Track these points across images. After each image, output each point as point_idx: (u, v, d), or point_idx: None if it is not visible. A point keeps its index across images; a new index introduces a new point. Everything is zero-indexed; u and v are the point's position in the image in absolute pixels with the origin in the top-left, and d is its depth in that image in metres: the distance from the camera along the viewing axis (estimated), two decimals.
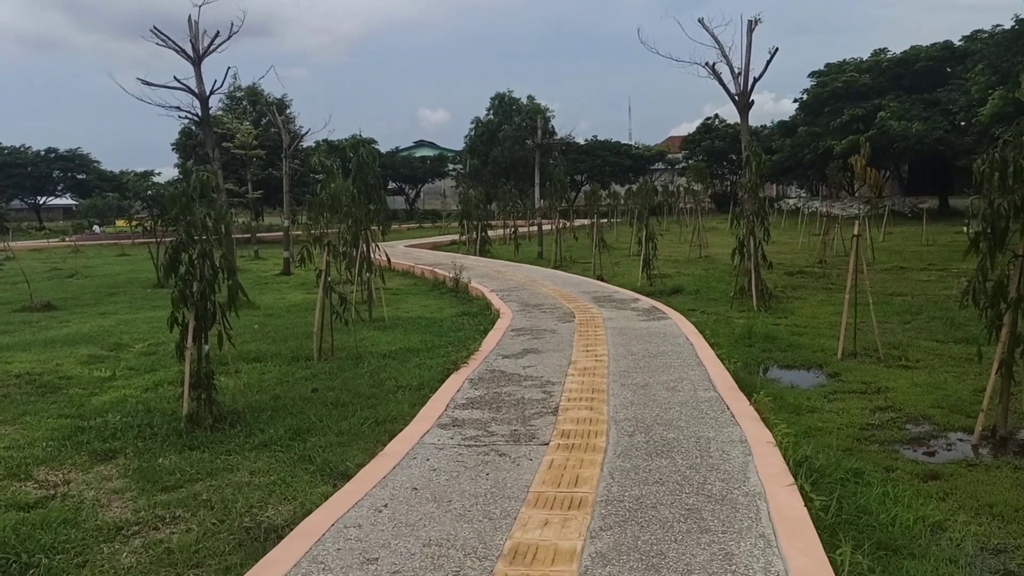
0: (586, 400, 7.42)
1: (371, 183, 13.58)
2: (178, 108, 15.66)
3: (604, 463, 5.61)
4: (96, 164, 74.69)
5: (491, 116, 67.36)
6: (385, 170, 75.10)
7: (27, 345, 12.35)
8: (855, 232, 10.83)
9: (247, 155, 32.68)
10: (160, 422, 7.73)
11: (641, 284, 18.78)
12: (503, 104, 66.84)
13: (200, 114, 15.76)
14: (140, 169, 71.73)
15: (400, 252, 31.14)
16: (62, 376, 10.18)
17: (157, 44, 15.69)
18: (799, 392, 8.84)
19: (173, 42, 15.70)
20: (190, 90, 15.55)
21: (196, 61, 15.70)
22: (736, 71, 16.12)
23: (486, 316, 14.04)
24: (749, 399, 7.48)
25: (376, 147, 71.00)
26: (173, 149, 51.18)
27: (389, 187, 78.58)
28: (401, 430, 6.98)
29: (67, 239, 46.51)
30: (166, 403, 8.51)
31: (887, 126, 44.19)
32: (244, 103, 45.84)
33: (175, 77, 15.32)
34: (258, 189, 34.78)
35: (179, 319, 7.60)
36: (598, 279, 19.98)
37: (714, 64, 16.25)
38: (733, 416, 6.78)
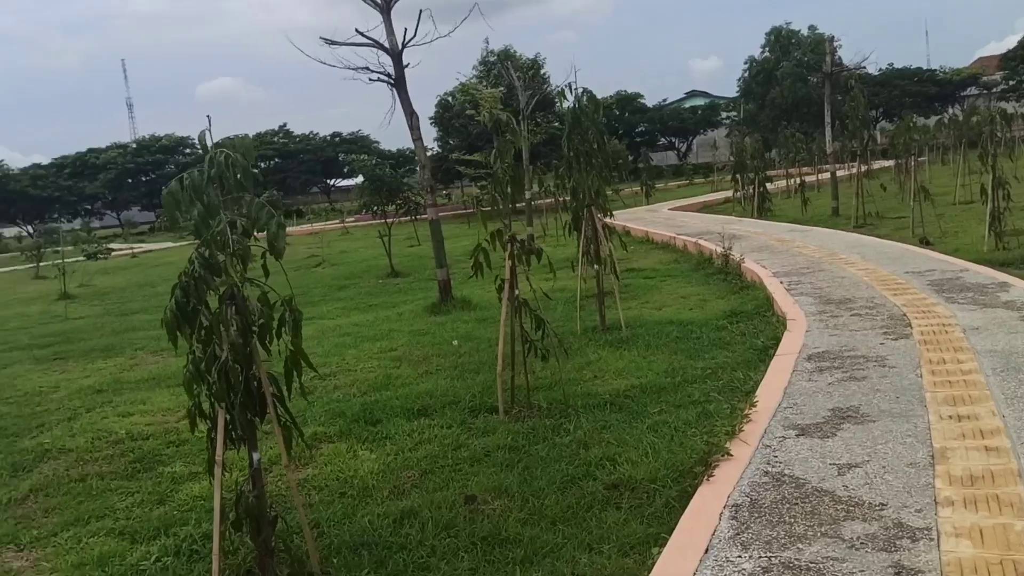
0: None
1: (592, 140, 9.77)
2: (367, 68, 12.84)
3: None
4: (376, 144, 77.44)
5: (767, 54, 60.55)
6: (653, 125, 70.77)
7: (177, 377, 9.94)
8: None
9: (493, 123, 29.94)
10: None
11: (988, 248, 13.40)
12: (780, 39, 59.79)
13: (392, 73, 12.83)
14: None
15: (663, 218, 27.04)
16: (175, 440, 7.42)
17: None
18: None
19: None
20: (378, 44, 12.63)
21: (384, 8, 12.75)
22: None
23: (764, 319, 9.76)
24: None
25: (642, 101, 67.07)
26: (432, 123, 50.34)
27: (658, 143, 74.03)
28: None
29: (343, 221, 47.11)
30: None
31: None
32: (496, 69, 43.46)
33: (357, 30, 12.45)
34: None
35: (203, 411, 4.36)
36: (922, 244, 14.73)
37: None
38: None
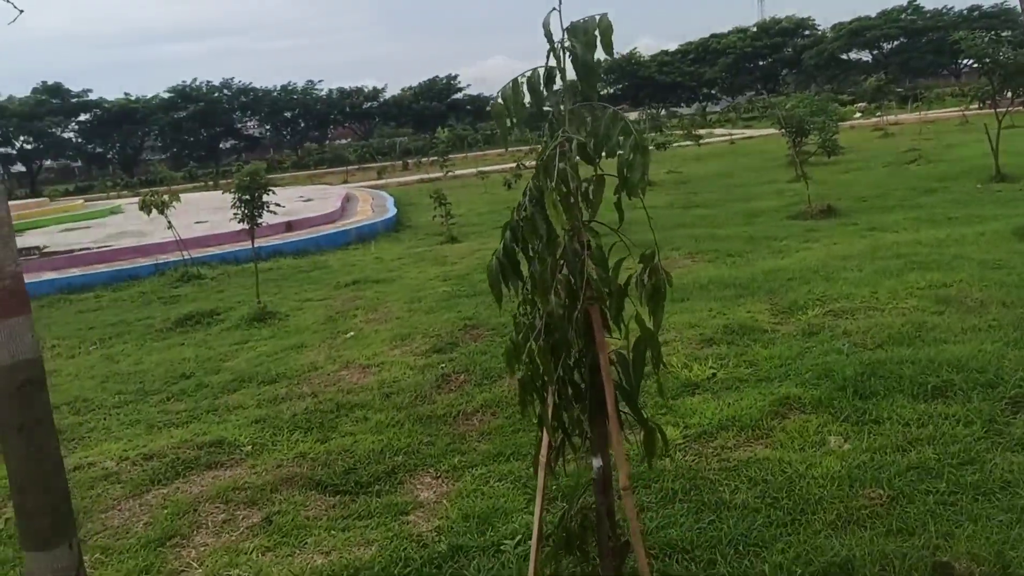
0: None
1: None
2: None
3: None
4: (1022, 19, 65.99)
5: None
6: None
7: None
8: None
9: None
10: None
11: None
12: None
13: None
14: None
15: None
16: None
17: None
18: None
19: None
20: None
21: None
22: None
23: None
24: None
25: None
26: None
27: None
28: None
29: (964, 109, 41.05)
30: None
31: None
32: None
33: None
34: None
35: (533, 396, 3.32)
36: None
37: None
38: None
